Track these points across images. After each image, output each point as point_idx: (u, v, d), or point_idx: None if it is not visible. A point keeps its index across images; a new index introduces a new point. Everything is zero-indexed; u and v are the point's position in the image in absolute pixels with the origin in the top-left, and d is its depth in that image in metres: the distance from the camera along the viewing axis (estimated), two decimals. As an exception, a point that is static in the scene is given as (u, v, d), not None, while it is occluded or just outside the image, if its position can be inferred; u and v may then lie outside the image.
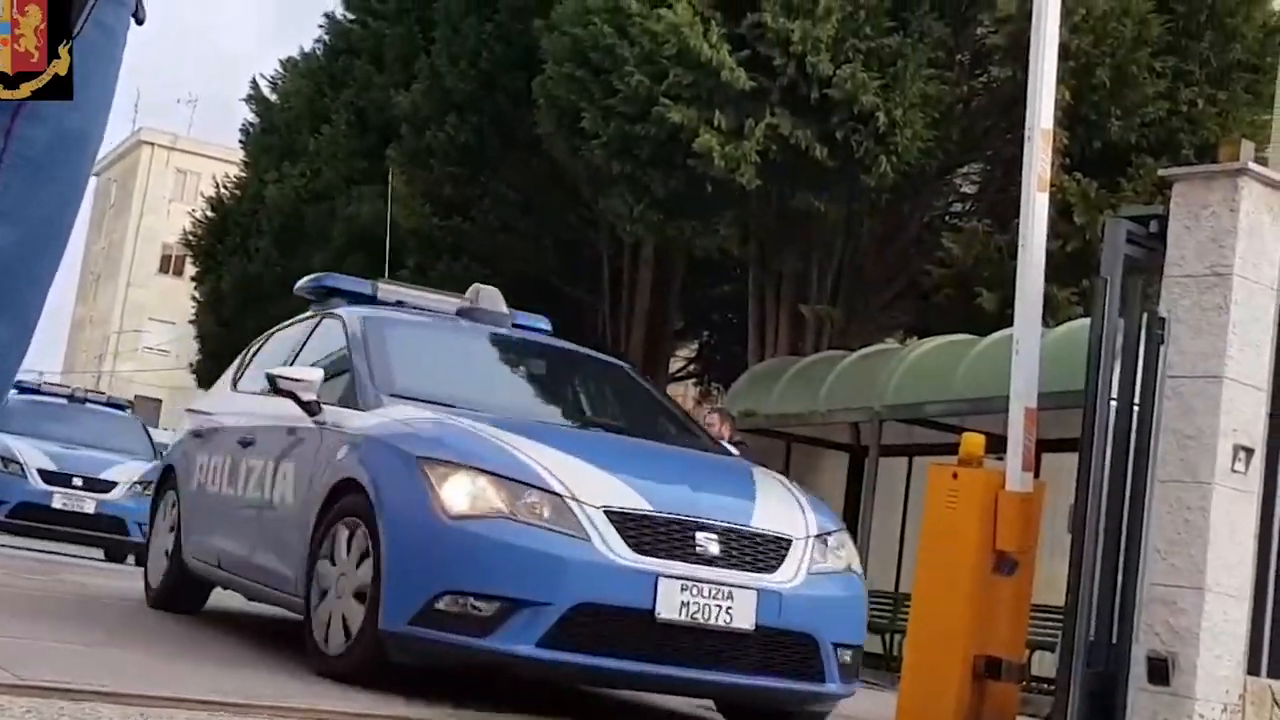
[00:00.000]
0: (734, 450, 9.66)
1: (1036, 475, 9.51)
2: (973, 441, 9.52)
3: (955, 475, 9.33)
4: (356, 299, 9.83)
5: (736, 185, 18.60)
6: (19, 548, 17.42)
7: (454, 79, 23.40)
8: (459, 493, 6.98)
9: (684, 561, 6.91)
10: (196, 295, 36.63)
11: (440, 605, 6.80)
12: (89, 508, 19.26)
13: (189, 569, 9.83)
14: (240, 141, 35.51)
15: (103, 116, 2.32)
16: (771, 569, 7.17)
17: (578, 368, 10.31)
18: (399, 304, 9.87)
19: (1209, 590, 8.39)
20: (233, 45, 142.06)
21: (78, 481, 19.32)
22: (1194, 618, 8.36)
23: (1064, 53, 13.20)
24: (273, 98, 33.90)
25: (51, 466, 19.32)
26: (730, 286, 25.47)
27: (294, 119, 31.74)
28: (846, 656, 7.40)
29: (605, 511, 6.92)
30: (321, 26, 31.62)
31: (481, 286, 10.30)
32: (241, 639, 9.23)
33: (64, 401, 22.27)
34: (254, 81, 34.44)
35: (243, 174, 35.25)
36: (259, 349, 10.77)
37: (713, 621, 6.88)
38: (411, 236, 24.56)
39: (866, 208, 20.64)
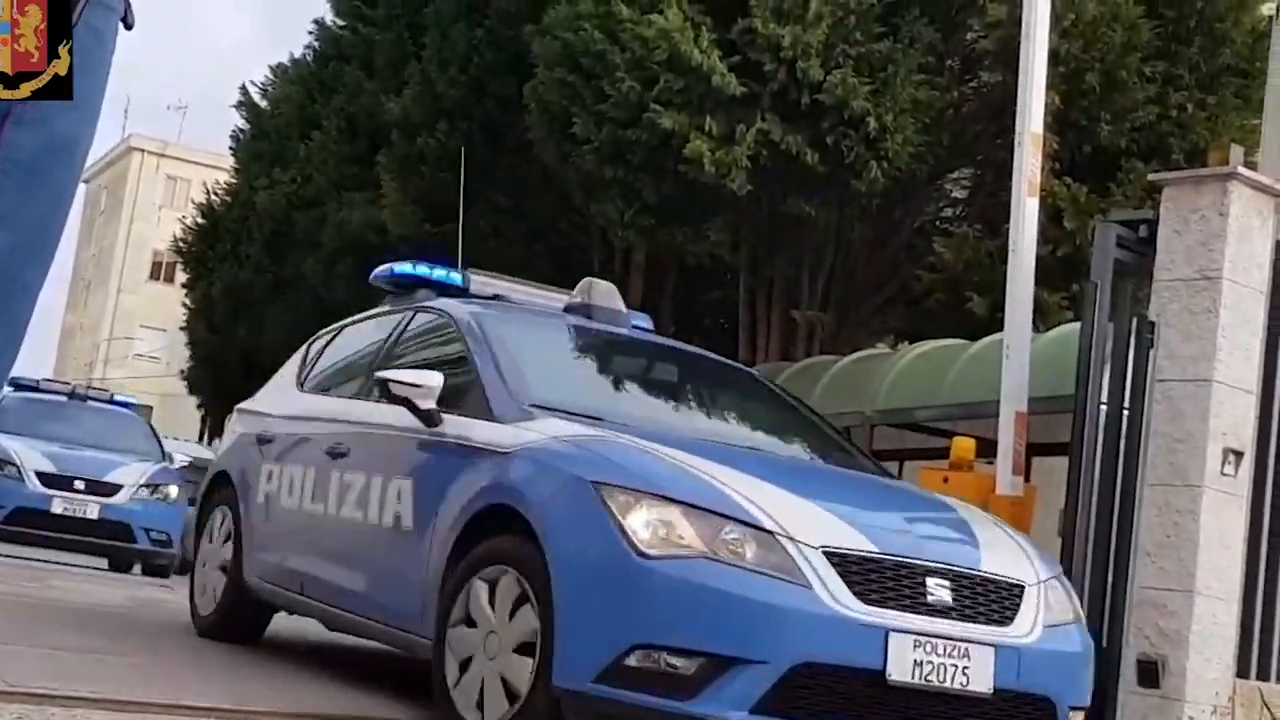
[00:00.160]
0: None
1: (1027, 479, 9.54)
2: (963, 446, 9.54)
3: (946, 479, 9.35)
4: (446, 291, 8.96)
5: (727, 191, 18.61)
6: (14, 556, 16.66)
7: (444, 85, 23.39)
8: (649, 526, 5.91)
9: (914, 613, 5.95)
10: (187, 302, 36.66)
11: (631, 661, 5.76)
12: (92, 512, 17.91)
13: (252, 592, 8.82)
14: (230, 148, 35.50)
15: (92, 121, 2.32)
16: (1007, 621, 6.25)
17: (712, 375, 9.19)
18: (496, 298, 9.00)
19: (1199, 593, 8.41)
20: (224, 51, 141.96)
21: (79, 484, 17.97)
22: (1184, 620, 8.38)
23: (1054, 58, 13.20)
24: (263, 104, 33.89)
25: (50, 468, 17.95)
26: (721, 292, 25.47)
27: (284, 125, 31.72)
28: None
29: (825, 552, 5.92)
30: (311, 33, 31.63)
31: (595, 281, 9.18)
32: (256, 647, 9.22)
33: (63, 399, 20.91)
34: (244, 88, 34.47)
35: (233, 180, 35.26)
36: (326, 345, 9.79)
37: (948, 684, 5.93)
38: (402, 242, 24.54)
39: (857, 213, 20.65)
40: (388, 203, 24.50)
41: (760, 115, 18.54)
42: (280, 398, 9.66)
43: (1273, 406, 9.04)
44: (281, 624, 9.48)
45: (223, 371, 33.78)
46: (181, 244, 36.73)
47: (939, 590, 6.05)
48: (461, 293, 8.97)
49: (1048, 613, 6.41)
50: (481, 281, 9.26)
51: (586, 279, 9.34)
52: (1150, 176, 10.24)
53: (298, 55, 32.87)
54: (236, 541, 9.03)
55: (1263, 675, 8.93)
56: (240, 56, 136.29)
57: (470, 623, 6.36)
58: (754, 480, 6.34)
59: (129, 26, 2.35)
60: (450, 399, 7.23)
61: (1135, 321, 8.97)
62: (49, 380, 22.78)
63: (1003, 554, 6.57)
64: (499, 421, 6.89)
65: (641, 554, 5.79)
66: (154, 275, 77.95)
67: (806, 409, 9.10)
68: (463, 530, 6.57)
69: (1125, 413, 8.91)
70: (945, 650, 5.92)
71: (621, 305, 9.13)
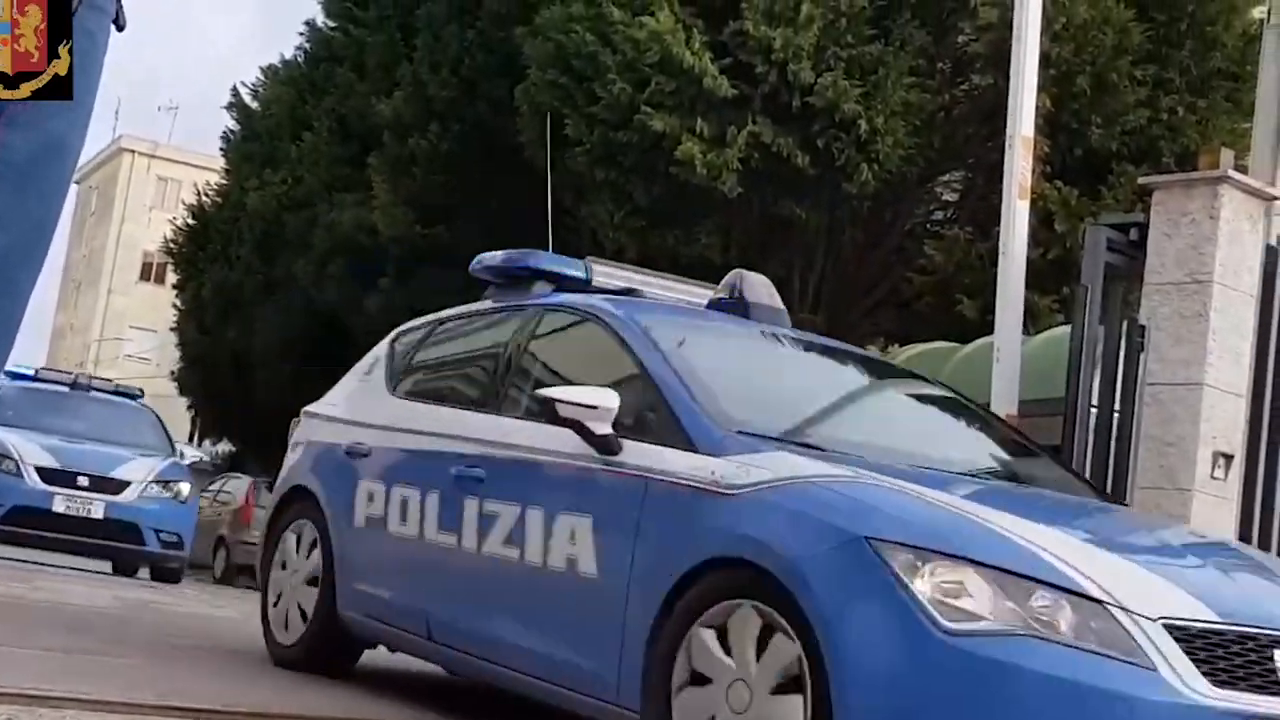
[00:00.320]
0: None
1: (1017, 482, 9.53)
2: (954, 448, 9.51)
3: (936, 482, 9.33)
4: (566, 284, 7.84)
5: (718, 193, 18.62)
6: (9, 558, 15.78)
7: (436, 86, 23.38)
8: (943, 593, 4.79)
9: (1267, 695, 4.80)
10: (177, 303, 36.58)
11: None
12: (96, 511, 16.57)
13: (348, 626, 7.66)
14: (221, 149, 35.44)
15: (84, 122, 2.32)
16: None
17: (905, 386, 7.86)
18: (628, 292, 7.84)
19: (1189, 597, 8.40)
20: (215, 52, 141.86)
21: (83, 481, 16.62)
22: (1174, 624, 8.37)
23: (1045, 61, 13.22)
24: (254, 105, 33.84)
25: (52, 463, 16.60)
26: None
27: (275, 126, 31.67)
28: None
29: (1165, 625, 4.76)
30: (303, 34, 31.59)
31: (746, 273, 7.96)
32: (245, 647, 9.21)
33: (65, 389, 19.51)
34: (235, 89, 34.40)
35: (224, 181, 35.20)
36: (419, 343, 8.44)
37: None
38: (394, 244, 24.54)
39: (848, 215, 20.65)
40: (379, 204, 24.47)
41: (751, 117, 18.56)
42: (369, 403, 8.26)
43: (1263, 410, 9.05)
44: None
45: (213, 372, 33.72)
46: (172, 245, 36.65)
47: None
48: (584, 286, 7.83)
49: None
50: (605, 272, 8.09)
51: (736, 270, 8.11)
52: (1141, 180, 10.27)
53: (289, 56, 32.84)
54: (327, 568, 7.81)
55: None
56: (232, 58, 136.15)
57: (700, 679, 5.32)
58: (1048, 529, 5.27)
59: (120, 28, 2.35)
60: (619, 421, 6.16)
61: (1126, 325, 8.98)
62: (47, 369, 21.45)
63: None
64: (701, 452, 5.78)
65: (945, 629, 4.69)
66: (144, 276, 77.87)
67: (1014, 429, 7.92)
68: (678, 583, 5.49)
69: (1116, 416, 8.92)
70: None
71: (779, 301, 8.07)
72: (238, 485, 29.34)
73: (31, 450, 16.72)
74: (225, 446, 37.25)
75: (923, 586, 4.77)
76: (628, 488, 5.97)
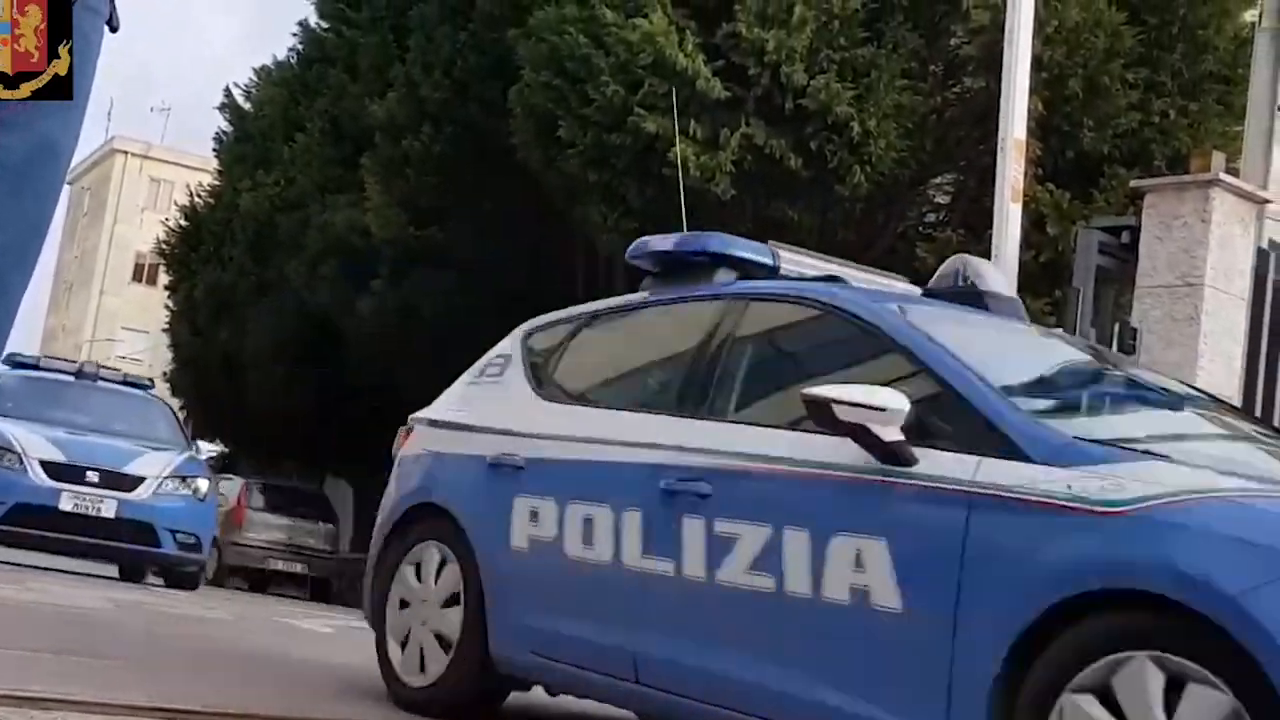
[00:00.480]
0: None
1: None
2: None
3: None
4: (753, 271, 6.89)
5: (712, 195, 18.63)
6: (6, 562, 15.15)
7: (428, 88, 23.37)
8: None
9: None
10: (170, 304, 36.58)
11: None
12: (108, 510, 15.06)
13: (504, 665, 6.65)
14: (214, 150, 35.44)
15: (78, 124, 2.32)
16: None
17: (1176, 390, 6.57)
18: (832, 279, 6.85)
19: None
20: (209, 53, 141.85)
21: (93, 476, 15.13)
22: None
23: (1036, 64, 13.23)
24: (246, 106, 33.84)
25: (59, 457, 15.13)
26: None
27: (268, 127, 31.67)
28: None
29: None
30: (295, 35, 31.59)
31: (970, 258, 7.04)
32: (237, 649, 9.20)
33: (69, 379, 17.93)
34: (228, 90, 34.40)
35: (216, 182, 35.19)
36: (566, 341, 7.42)
37: None
38: (387, 245, 24.54)
39: (840, 217, 20.67)
40: (371, 205, 24.46)
41: (744, 119, 18.58)
42: (511, 409, 7.18)
43: (1254, 411, 9.06)
44: (278, 625, 9.45)
45: (205, 374, 33.71)
46: (164, 246, 36.66)
47: None
48: (773, 273, 6.92)
49: None
50: (791, 259, 7.15)
51: (959, 255, 7.23)
52: (1133, 183, 10.31)
53: (281, 57, 32.84)
54: (474, 600, 6.72)
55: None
56: (226, 58, 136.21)
57: None
58: None
59: (114, 29, 2.35)
60: (931, 429, 5.24)
61: (1117, 327, 9.00)
62: (50, 358, 20.13)
63: None
64: (1036, 461, 4.87)
65: None
66: (136, 277, 77.83)
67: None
68: (1035, 621, 4.55)
69: (1107, 418, 8.92)
70: None
71: (1011, 289, 7.28)
72: (230, 486, 29.29)
73: (36, 443, 15.24)
74: (217, 448, 37.25)
75: None
76: (941, 504, 5.00)
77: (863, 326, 5.83)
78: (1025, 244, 11.22)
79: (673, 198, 19.09)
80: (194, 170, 58.19)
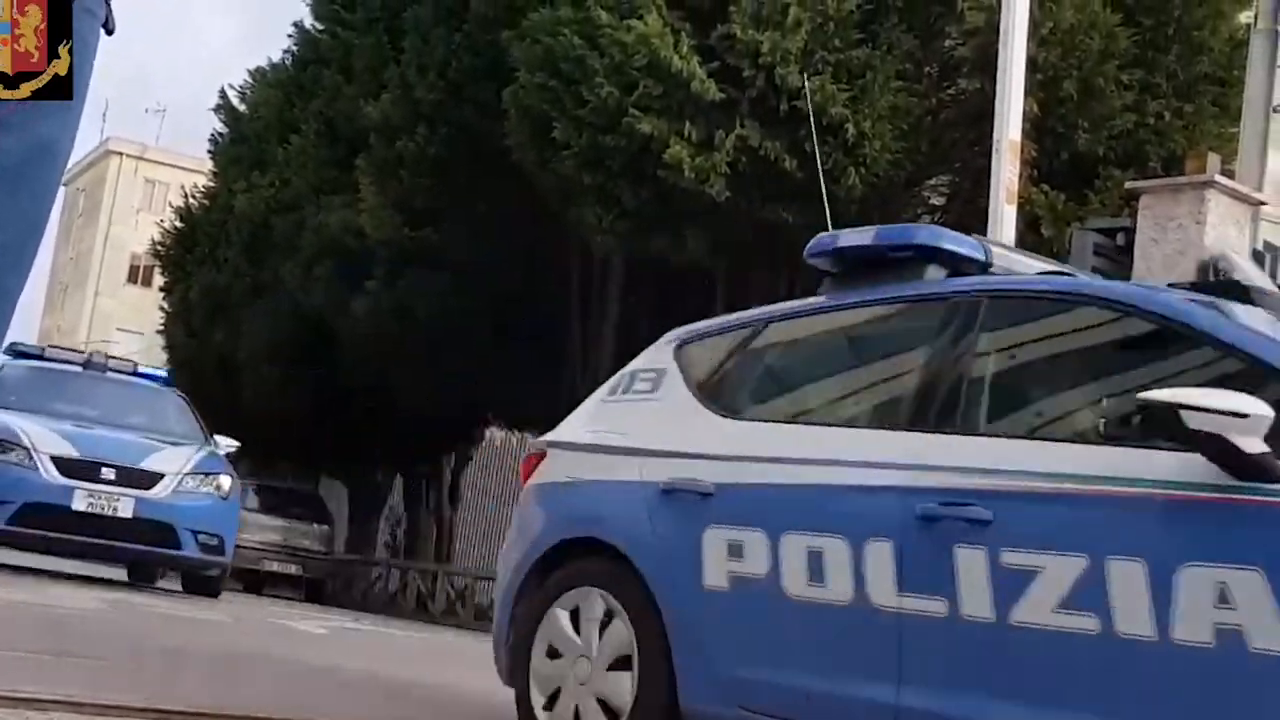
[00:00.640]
0: None
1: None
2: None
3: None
4: (962, 266, 6.04)
5: (706, 197, 18.64)
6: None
7: (423, 89, 23.38)
8: None
9: None
10: (165, 305, 36.58)
11: None
12: (124, 509, 13.90)
13: None
14: (209, 151, 35.45)
15: (74, 125, 2.32)
16: None
17: None
18: (1056, 274, 6.19)
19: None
20: (204, 55, 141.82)
21: (108, 473, 13.99)
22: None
23: (1031, 65, 13.24)
24: (241, 108, 33.85)
25: (71, 452, 14.00)
26: (700, 298, 25.46)
27: (263, 129, 31.69)
28: None
29: None
30: (291, 36, 31.60)
31: (1228, 252, 6.44)
32: (232, 650, 9.20)
33: (77, 369, 16.80)
34: (223, 91, 34.42)
35: (211, 184, 35.20)
36: (736, 350, 6.49)
37: None
38: (382, 246, 24.54)
39: (835, 219, 20.65)
40: (366, 206, 24.46)
41: (739, 121, 18.59)
42: (683, 427, 6.28)
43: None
44: (273, 626, 9.45)
45: (200, 375, 33.63)
46: (159, 247, 36.66)
47: None
48: (984, 269, 6.10)
49: None
50: (1001, 254, 6.32)
51: (1216, 248, 6.34)
52: (1128, 184, 10.33)
53: (276, 59, 32.86)
54: (650, 649, 5.81)
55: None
56: (222, 60, 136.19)
57: None
58: None
59: (110, 32, 2.35)
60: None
61: (1112, 329, 8.99)
62: (56, 347, 18.94)
63: None
64: None
65: None
66: (131, 279, 77.77)
67: None
68: None
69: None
70: None
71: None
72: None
73: (46, 437, 14.09)
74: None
75: None
76: None
77: (1176, 328, 5.07)
78: (1020, 245, 11.20)
79: (668, 199, 19.18)
80: (189, 172, 58.15)
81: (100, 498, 13.88)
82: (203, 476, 14.75)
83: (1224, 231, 8.78)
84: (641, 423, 6.47)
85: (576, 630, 6.01)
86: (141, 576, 16.69)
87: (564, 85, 19.30)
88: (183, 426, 16.03)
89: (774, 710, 5.42)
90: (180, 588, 15.87)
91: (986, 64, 15.29)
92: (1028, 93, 11.22)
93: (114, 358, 18.69)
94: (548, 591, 6.24)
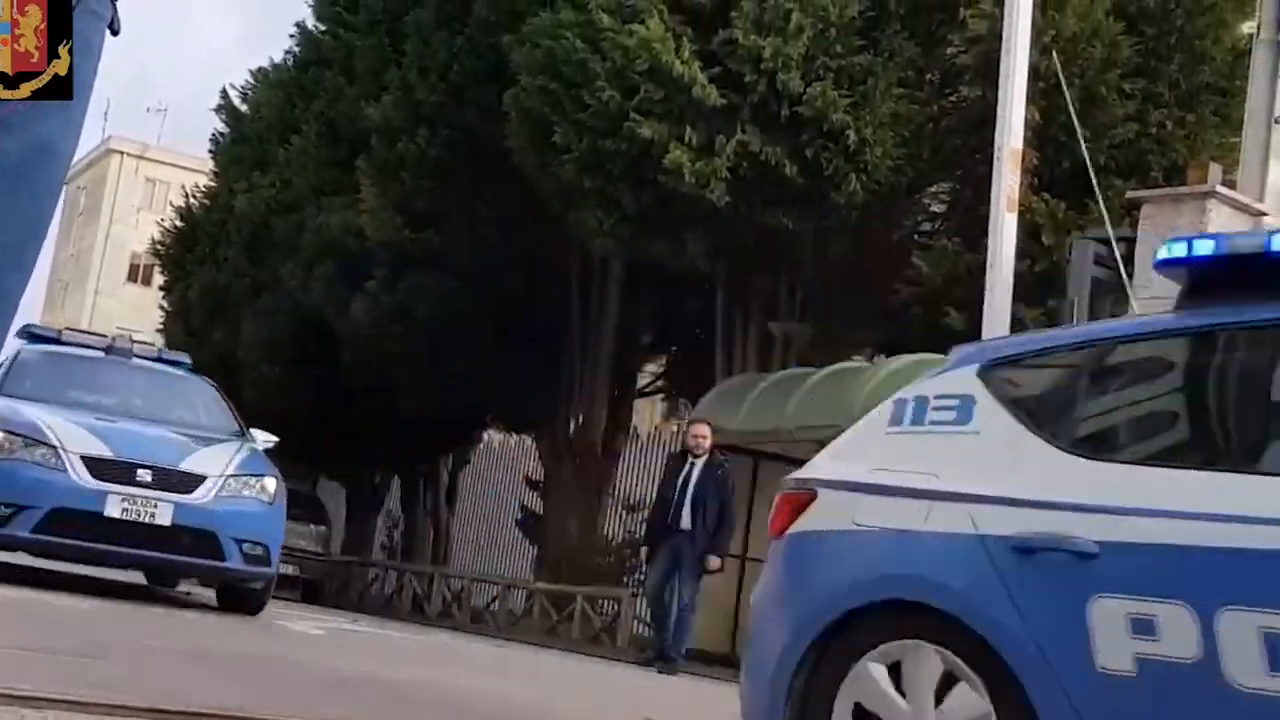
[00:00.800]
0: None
1: (1002, 494, 9.51)
2: (939, 460, 9.51)
3: (921, 493, 9.32)
4: None
5: (707, 201, 18.64)
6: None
7: (424, 91, 23.39)
8: None
9: None
10: (164, 304, 36.59)
11: None
12: (162, 516, 12.28)
13: None
14: (210, 151, 35.47)
15: (76, 126, 2.32)
16: None
17: None
18: None
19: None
20: (206, 54, 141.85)
21: (144, 475, 12.30)
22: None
23: (1033, 74, 13.25)
24: (243, 108, 33.87)
25: (103, 452, 12.34)
26: (699, 302, 25.49)
27: (264, 129, 31.72)
28: None
29: None
30: (293, 37, 31.62)
31: None
32: (229, 650, 9.19)
33: (99, 355, 15.05)
34: (224, 92, 34.46)
35: (212, 184, 35.22)
36: (1080, 378, 5.27)
37: None
38: (382, 248, 24.54)
39: (836, 225, 20.66)
40: (366, 208, 24.47)
41: (740, 126, 18.59)
42: (1023, 469, 5.06)
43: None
44: (270, 626, 9.42)
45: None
46: (160, 247, 36.67)
47: None
48: None
49: None
50: None
51: None
52: (1129, 194, 10.32)
53: (278, 59, 32.89)
54: None
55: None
56: (223, 60, 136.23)
57: None
58: None
59: (115, 33, 2.35)
60: None
61: (1112, 338, 8.98)
62: (74, 330, 16.93)
63: None
64: None
65: None
66: (132, 277, 77.75)
67: None
68: None
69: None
70: None
71: None
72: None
73: (75, 434, 12.51)
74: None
75: None
76: None
77: None
78: (1021, 254, 11.22)
79: (668, 203, 19.18)
80: (190, 171, 58.16)
81: (136, 503, 12.29)
82: (247, 478, 13.21)
83: (1225, 242, 8.80)
84: (956, 461, 5.26)
85: (899, 689, 4.90)
86: (162, 579, 15.80)
87: (565, 89, 19.31)
88: (218, 419, 14.55)
89: None
90: (215, 600, 14.25)
91: (988, 71, 15.30)
92: (1029, 101, 11.23)
93: (138, 342, 16.80)
94: (850, 646, 5.11)
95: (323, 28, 29.79)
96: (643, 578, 18.02)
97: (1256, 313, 4.86)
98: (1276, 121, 11.60)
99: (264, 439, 14.39)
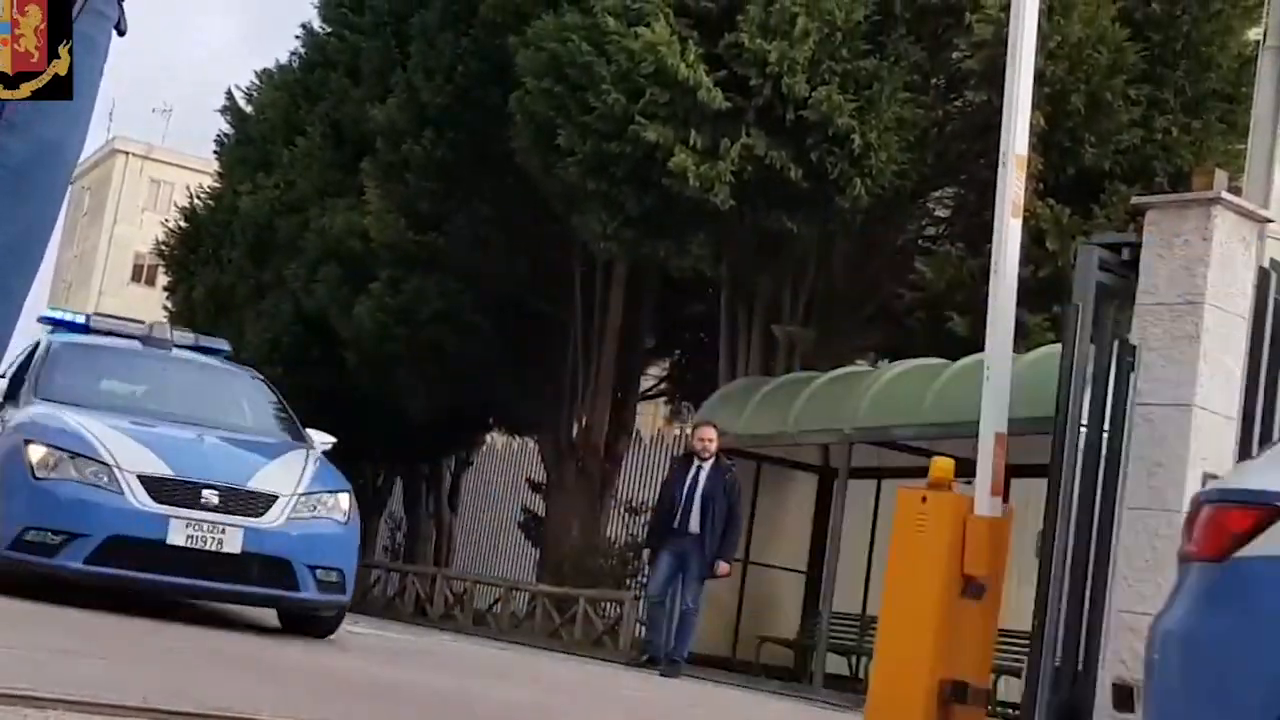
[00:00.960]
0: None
1: (1005, 500, 9.53)
2: (942, 465, 9.53)
3: (924, 499, 9.34)
4: None
5: (711, 205, 18.63)
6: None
7: (429, 93, 23.40)
8: None
9: None
10: (168, 305, 36.55)
11: None
12: (231, 543, 10.57)
13: None
14: (215, 152, 35.50)
15: (81, 127, 2.31)
16: None
17: None
18: None
19: (1174, 617, 8.30)
20: (212, 55, 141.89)
21: (211, 497, 10.60)
22: (1159, 644, 8.27)
23: (1039, 79, 13.24)
24: (248, 109, 33.88)
25: (164, 471, 10.62)
26: (702, 306, 25.49)
27: (269, 130, 31.74)
28: None
29: None
30: (298, 38, 31.66)
31: None
32: (231, 650, 9.18)
33: (136, 346, 13.11)
34: (229, 93, 34.46)
35: (216, 184, 35.23)
36: None
37: None
38: (386, 250, 24.54)
39: (840, 230, 20.65)
40: (371, 209, 24.49)
41: (745, 130, 18.59)
42: None
43: (1253, 432, 9.04)
44: (270, 626, 9.41)
45: (201, 375, 33.70)
46: (163, 247, 36.66)
47: None
48: None
49: None
50: None
51: None
52: (1134, 200, 10.28)
53: (284, 61, 32.89)
54: None
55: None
56: (229, 60, 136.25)
57: None
58: None
59: (122, 33, 2.34)
60: None
61: (1117, 344, 8.97)
62: (102, 316, 14.54)
63: None
64: None
65: None
66: (135, 278, 77.81)
67: None
68: None
69: (1105, 435, 8.91)
70: None
71: None
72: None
73: (129, 449, 10.81)
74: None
75: None
76: None
77: None
78: (1025, 259, 11.20)
79: (672, 207, 19.17)
80: (194, 172, 58.23)
81: (202, 528, 10.61)
82: (321, 495, 11.47)
83: (1231, 248, 8.77)
84: None
85: None
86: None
87: (570, 91, 19.31)
88: (273, 419, 12.91)
89: None
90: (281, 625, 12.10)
91: (994, 76, 15.30)
92: (1035, 106, 11.20)
93: (177, 329, 15.07)
94: None
95: (328, 29, 29.80)
96: (645, 580, 18.02)
97: None
98: (1282, 128, 11.59)
99: (321, 440, 12.78)
